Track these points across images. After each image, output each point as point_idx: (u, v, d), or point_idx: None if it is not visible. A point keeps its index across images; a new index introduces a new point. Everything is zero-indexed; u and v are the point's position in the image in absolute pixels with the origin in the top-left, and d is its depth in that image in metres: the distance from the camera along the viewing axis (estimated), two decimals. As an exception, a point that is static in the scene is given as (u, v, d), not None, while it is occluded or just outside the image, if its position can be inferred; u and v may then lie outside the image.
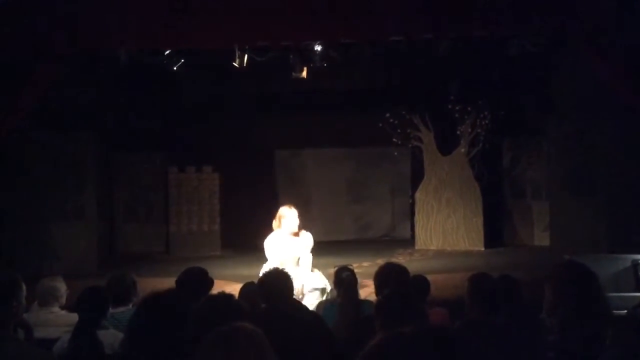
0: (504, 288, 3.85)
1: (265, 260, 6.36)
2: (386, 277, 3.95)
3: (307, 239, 6.40)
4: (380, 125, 10.74)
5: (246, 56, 7.66)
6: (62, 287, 4.51)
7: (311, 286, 6.15)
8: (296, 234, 6.39)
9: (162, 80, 9.50)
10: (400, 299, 2.97)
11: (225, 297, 2.42)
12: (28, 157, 9.72)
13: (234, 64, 7.67)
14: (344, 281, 4.58)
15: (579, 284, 3.02)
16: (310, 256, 6.40)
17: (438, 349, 0.87)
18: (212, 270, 5.51)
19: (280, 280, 3.80)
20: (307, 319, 3.71)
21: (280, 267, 4.38)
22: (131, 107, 10.79)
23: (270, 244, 6.36)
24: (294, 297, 4.01)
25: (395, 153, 12.00)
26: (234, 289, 5.21)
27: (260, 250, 6.66)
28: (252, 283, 4.51)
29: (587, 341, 2.65)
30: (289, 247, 6.25)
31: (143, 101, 10.74)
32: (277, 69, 8.42)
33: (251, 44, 7.47)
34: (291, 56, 8.06)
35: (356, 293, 4.64)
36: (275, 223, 6.48)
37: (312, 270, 6.38)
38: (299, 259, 6.28)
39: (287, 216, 6.38)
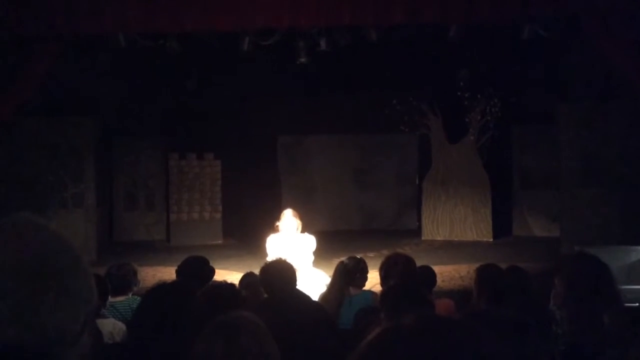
0: (513, 280, 3.84)
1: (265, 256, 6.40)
2: (392, 268, 3.95)
3: (309, 242, 6.42)
4: (387, 111, 10.70)
5: (249, 39, 7.62)
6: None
7: (311, 277, 6.16)
8: (296, 235, 6.41)
9: (163, 64, 9.48)
10: (405, 290, 2.97)
11: (228, 286, 2.43)
12: (26, 144, 9.73)
13: (237, 47, 7.65)
14: (337, 268, 4.62)
15: (590, 276, 3.01)
16: (312, 257, 6.42)
17: (443, 340, 0.86)
18: (214, 259, 5.53)
19: (283, 270, 3.80)
20: (311, 309, 3.72)
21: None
22: (131, 92, 10.78)
23: (271, 243, 6.42)
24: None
25: (402, 141, 11.97)
26: (236, 279, 5.22)
27: (263, 239, 6.69)
28: (253, 273, 4.52)
29: (598, 334, 2.64)
30: (289, 249, 6.26)
31: (143, 86, 10.72)
32: (282, 53, 8.39)
33: (255, 27, 7.43)
34: (296, 40, 8.02)
35: (344, 281, 4.63)
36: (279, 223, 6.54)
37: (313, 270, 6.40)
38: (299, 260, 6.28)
39: (285, 217, 6.43)
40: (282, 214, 6.62)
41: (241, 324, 1.77)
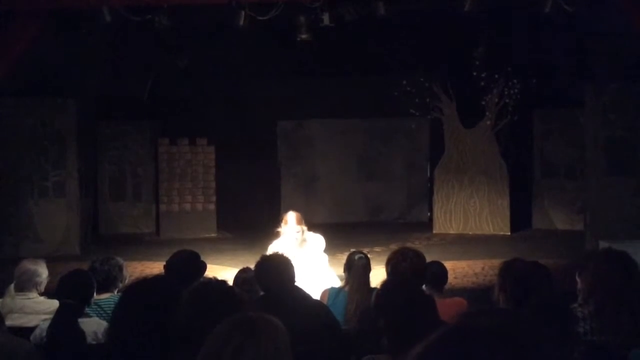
0: (533, 277, 3.84)
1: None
2: (399, 264, 3.95)
3: (317, 243, 6.28)
4: (396, 93, 10.69)
5: (245, 13, 7.60)
6: (43, 272, 4.54)
7: (320, 277, 6.11)
8: (301, 243, 6.25)
9: (151, 41, 9.45)
10: (398, 287, 2.95)
11: (219, 283, 2.43)
12: (2, 127, 9.73)
13: (232, 23, 7.62)
14: (354, 265, 4.59)
15: (617, 274, 3.01)
16: (325, 256, 6.32)
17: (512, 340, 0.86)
18: (207, 254, 5.56)
19: (280, 265, 3.81)
20: (311, 308, 3.73)
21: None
22: (117, 72, 10.77)
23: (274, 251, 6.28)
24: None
25: (413, 125, 11.96)
26: (231, 275, 5.25)
27: (260, 232, 6.69)
28: (249, 269, 4.54)
29: (622, 334, 2.65)
30: (295, 258, 6.14)
31: (130, 65, 10.71)
32: (281, 29, 8.37)
33: (251, 0, 7.41)
34: (297, 15, 8.00)
35: (367, 279, 4.64)
36: (281, 227, 6.34)
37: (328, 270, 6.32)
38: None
39: (289, 224, 6.19)
40: (284, 218, 6.41)
41: (259, 324, 1.77)
